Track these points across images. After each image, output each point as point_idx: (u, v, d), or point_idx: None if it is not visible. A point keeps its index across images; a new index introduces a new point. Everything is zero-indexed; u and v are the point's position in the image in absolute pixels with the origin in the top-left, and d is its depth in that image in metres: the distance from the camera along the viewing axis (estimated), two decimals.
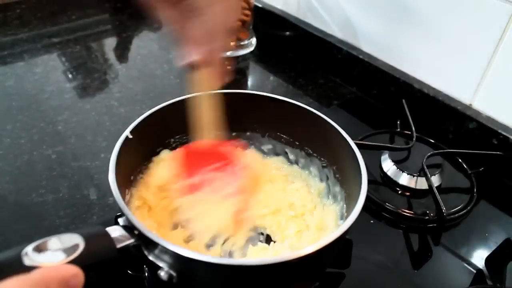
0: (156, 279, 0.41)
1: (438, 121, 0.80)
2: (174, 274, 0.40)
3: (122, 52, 1.03)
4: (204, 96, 0.47)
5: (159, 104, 0.55)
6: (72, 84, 0.89)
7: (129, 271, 0.52)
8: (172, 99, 0.56)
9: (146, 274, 0.53)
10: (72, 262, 0.34)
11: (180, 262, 0.40)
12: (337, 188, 0.57)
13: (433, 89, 0.81)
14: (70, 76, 0.92)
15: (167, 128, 0.58)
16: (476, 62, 0.73)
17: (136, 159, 0.55)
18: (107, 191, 0.64)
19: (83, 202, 0.63)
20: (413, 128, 0.74)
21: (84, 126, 0.77)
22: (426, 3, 0.77)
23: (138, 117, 0.53)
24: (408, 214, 0.64)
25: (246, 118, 0.62)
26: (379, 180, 0.70)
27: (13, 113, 0.79)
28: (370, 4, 0.87)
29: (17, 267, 0.31)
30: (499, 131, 0.71)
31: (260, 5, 1.10)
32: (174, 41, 0.44)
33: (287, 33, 1.07)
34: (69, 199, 0.63)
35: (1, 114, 0.79)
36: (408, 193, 0.68)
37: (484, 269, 0.57)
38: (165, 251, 0.39)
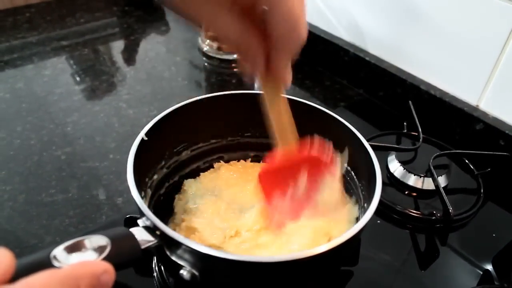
0: (177, 279, 0.41)
1: (445, 122, 0.80)
2: (196, 273, 0.41)
3: (130, 54, 1.04)
4: (278, 100, 0.43)
5: (167, 106, 0.55)
6: (81, 87, 0.90)
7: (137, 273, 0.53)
8: (181, 100, 0.56)
9: (155, 274, 0.53)
10: None
11: (203, 260, 0.40)
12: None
13: (440, 90, 0.81)
14: (78, 78, 0.93)
15: (180, 130, 0.57)
16: (482, 63, 0.73)
17: (150, 161, 0.54)
18: (115, 192, 0.65)
19: (92, 202, 0.63)
20: (420, 129, 0.75)
21: (93, 128, 0.78)
22: (432, 5, 0.77)
23: (147, 118, 0.53)
24: (415, 215, 0.64)
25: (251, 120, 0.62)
26: (386, 181, 0.70)
27: (23, 115, 0.80)
28: (376, 7, 0.87)
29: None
30: (506, 132, 0.71)
31: None
32: (239, 57, 0.40)
33: None
34: (78, 199, 0.64)
35: (11, 116, 0.80)
36: (415, 194, 0.68)
37: (492, 269, 0.57)
38: (189, 250, 0.39)
